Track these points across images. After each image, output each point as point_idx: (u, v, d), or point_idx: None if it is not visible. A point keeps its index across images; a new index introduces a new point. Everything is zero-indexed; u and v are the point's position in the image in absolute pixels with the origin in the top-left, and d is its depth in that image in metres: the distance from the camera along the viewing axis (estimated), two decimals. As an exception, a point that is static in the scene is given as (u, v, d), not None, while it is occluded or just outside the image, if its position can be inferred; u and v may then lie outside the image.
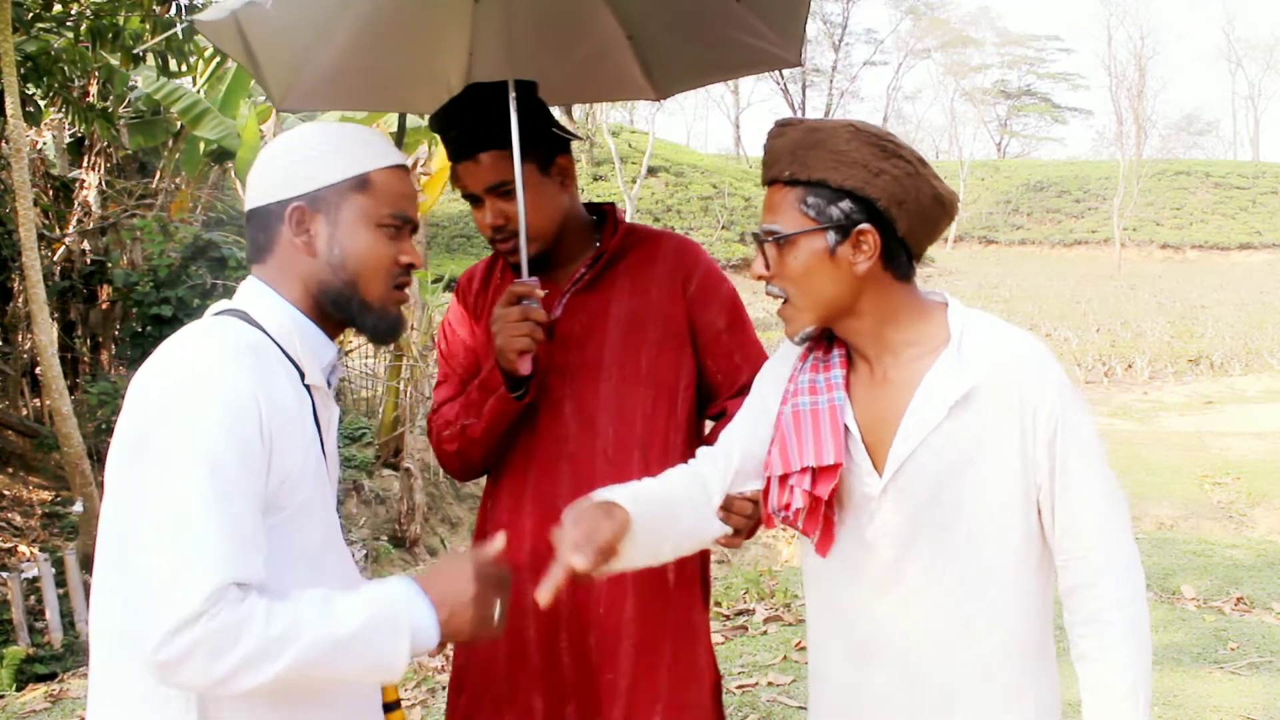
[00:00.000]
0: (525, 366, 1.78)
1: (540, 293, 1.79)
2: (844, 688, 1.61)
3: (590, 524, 1.38)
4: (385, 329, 1.47)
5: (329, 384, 1.48)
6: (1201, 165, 50.02)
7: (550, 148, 1.90)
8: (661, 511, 1.54)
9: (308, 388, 1.41)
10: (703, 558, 2.00)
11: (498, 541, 1.43)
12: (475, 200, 1.91)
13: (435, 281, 12.02)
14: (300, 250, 1.42)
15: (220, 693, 1.23)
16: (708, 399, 2.00)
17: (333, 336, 1.48)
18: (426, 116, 2.01)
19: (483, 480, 2.06)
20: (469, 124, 1.86)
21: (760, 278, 1.51)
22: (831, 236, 1.45)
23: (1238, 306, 28.84)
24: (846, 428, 1.51)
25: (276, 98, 2.12)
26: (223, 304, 1.45)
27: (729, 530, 1.63)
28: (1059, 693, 1.55)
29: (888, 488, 1.48)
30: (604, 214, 2.03)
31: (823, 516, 1.53)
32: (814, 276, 1.46)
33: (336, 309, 1.44)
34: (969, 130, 78.48)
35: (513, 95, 1.82)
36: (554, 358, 1.90)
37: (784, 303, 1.51)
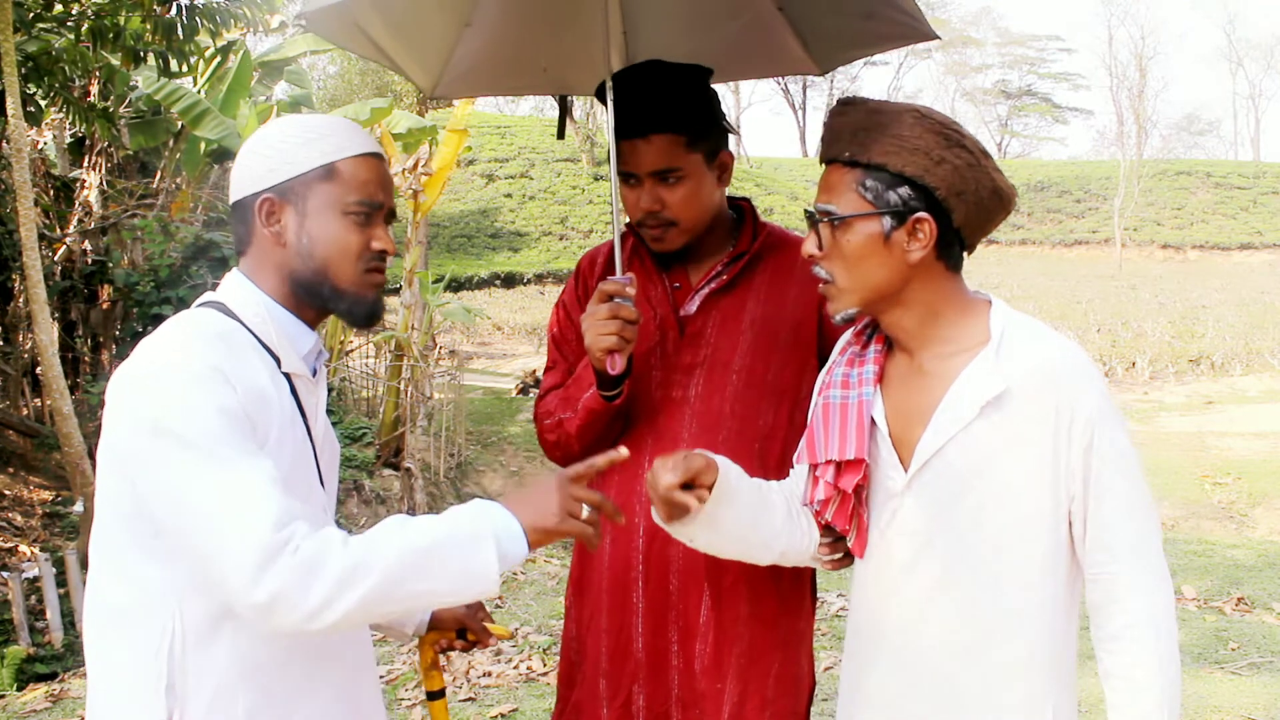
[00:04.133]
0: (614, 366, 1.73)
1: (631, 291, 1.74)
2: (851, 685, 1.61)
3: (681, 456, 1.44)
4: (361, 313, 1.49)
5: (313, 371, 1.52)
6: (1202, 165, 49.95)
7: (718, 139, 1.86)
8: (753, 494, 1.56)
9: (286, 375, 1.44)
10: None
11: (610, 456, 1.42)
12: (631, 180, 1.86)
13: (436, 282, 12.00)
14: (272, 241, 1.45)
15: (318, 627, 1.24)
16: None
17: (312, 324, 1.51)
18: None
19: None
20: (644, 102, 1.79)
21: (811, 257, 1.49)
22: (887, 222, 1.43)
23: (1239, 306, 28.80)
24: (873, 421, 1.50)
25: (426, 86, 2.11)
26: (206, 296, 1.49)
27: (825, 545, 1.63)
28: (1076, 701, 1.53)
29: (911, 483, 1.47)
30: (741, 210, 1.98)
31: (854, 513, 1.51)
32: (866, 261, 1.44)
33: (310, 297, 1.47)
34: (970, 130, 78.30)
35: (609, 86, 1.77)
36: (682, 355, 1.87)
37: (829, 283, 1.48)
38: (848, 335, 1.62)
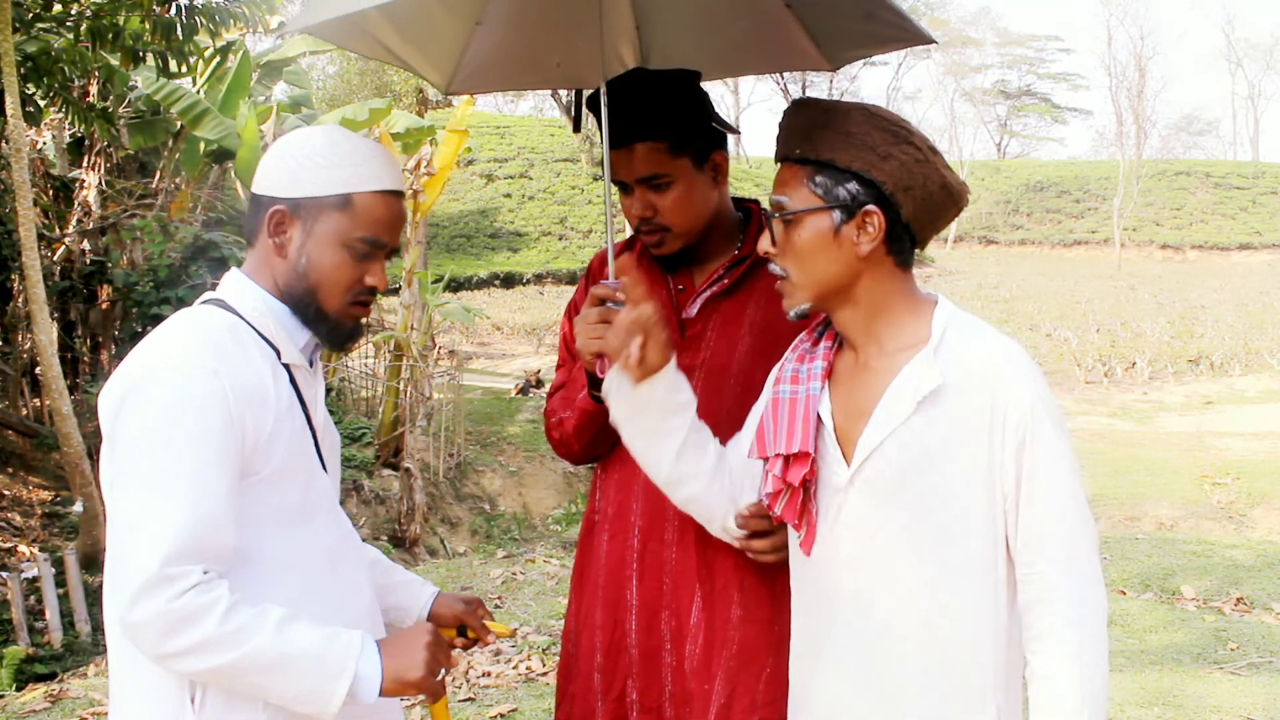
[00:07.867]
0: (602, 369, 1.75)
1: (622, 297, 1.74)
2: (800, 684, 1.62)
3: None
4: (338, 338, 1.56)
5: (310, 362, 1.57)
6: (1201, 165, 50.02)
7: (707, 142, 1.86)
8: (695, 423, 1.64)
9: (286, 366, 1.50)
10: None
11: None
12: (624, 188, 1.87)
13: (435, 282, 12.00)
14: (273, 250, 1.50)
15: (165, 666, 1.33)
16: None
17: (305, 323, 1.55)
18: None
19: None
20: (626, 112, 1.81)
21: (765, 254, 1.53)
22: (837, 216, 1.46)
23: (1238, 307, 28.83)
24: (819, 418, 1.53)
25: (440, 84, 2.16)
26: (207, 294, 1.55)
27: (740, 518, 1.66)
28: (1021, 702, 1.50)
29: (854, 479, 1.48)
30: (750, 212, 1.99)
31: (802, 508, 1.53)
32: (817, 255, 1.47)
33: (295, 309, 1.53)
34: (969, 130, 78.52)
35: (604, 92, 1.79)
36: (681, 358, 1.85)
37: (784, 279, 1.52)
38: (802, 334, 1.65)
